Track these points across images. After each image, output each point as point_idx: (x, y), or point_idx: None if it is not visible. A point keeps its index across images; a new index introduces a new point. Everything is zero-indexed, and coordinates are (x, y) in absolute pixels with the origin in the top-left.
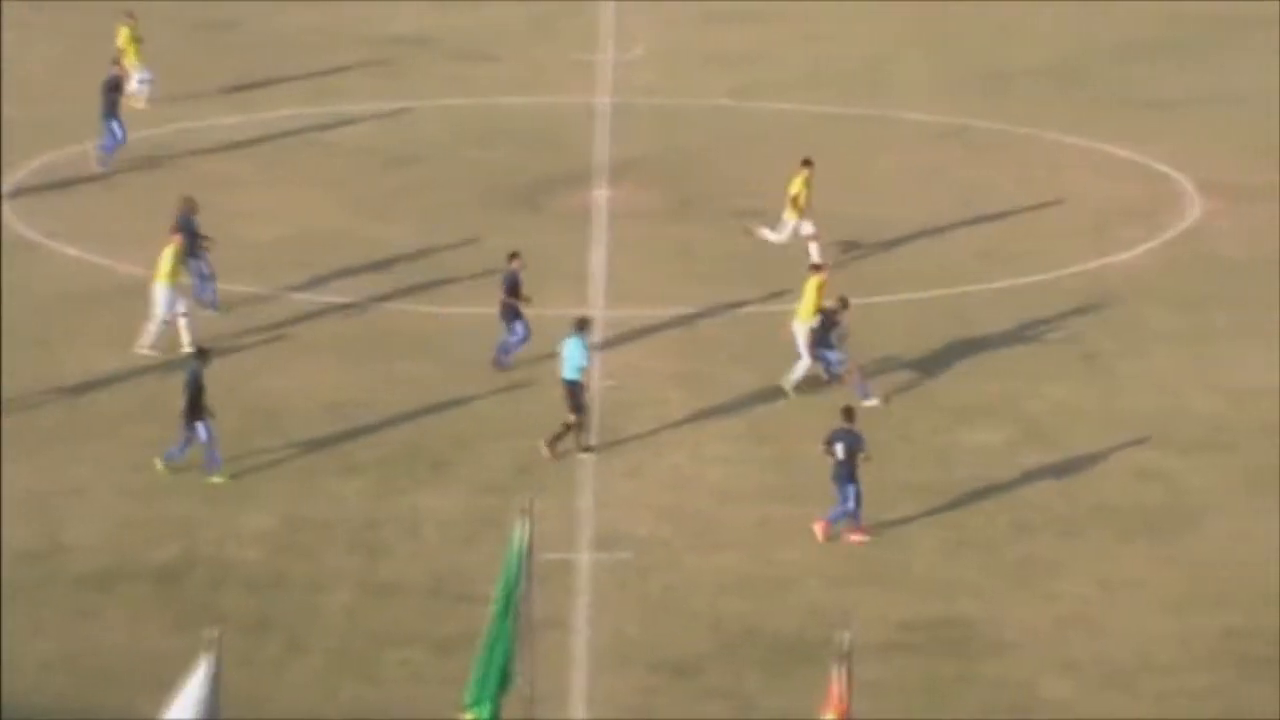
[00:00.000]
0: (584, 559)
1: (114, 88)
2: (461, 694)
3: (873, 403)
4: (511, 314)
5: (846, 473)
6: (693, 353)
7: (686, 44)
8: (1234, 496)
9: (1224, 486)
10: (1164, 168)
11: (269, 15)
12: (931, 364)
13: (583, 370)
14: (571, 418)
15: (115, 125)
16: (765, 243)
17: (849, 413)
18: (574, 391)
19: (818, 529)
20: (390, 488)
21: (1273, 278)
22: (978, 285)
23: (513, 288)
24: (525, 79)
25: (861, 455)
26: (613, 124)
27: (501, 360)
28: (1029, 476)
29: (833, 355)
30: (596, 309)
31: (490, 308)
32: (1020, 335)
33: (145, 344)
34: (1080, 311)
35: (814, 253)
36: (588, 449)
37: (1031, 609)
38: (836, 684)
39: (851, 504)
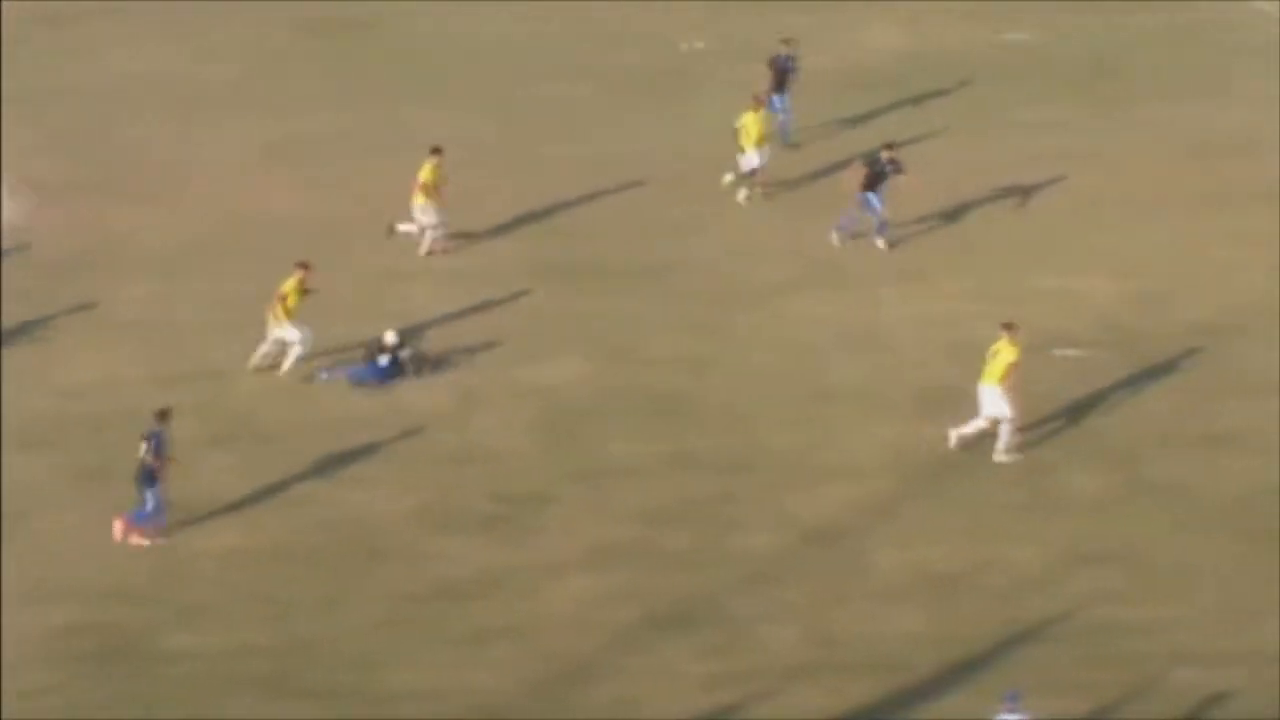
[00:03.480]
0: None
1: None
2: None
3: None
4: None
5: (148, 473)
6: None
7: None
8: (61, 492)
9: (52, 482)
10: None
11: None
12: None
13: None
14: None
15: None
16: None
17: (163, 414)
18: None
19: (116, 527)
20: None
21: (102, 275)
22: None
23: None
24: None
25: (166, 457)
26: None
27: None
28: None
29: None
30: None
31: None
32: None
33: None
34: None
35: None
36: None
37: None
38: None
39: (150, 506)
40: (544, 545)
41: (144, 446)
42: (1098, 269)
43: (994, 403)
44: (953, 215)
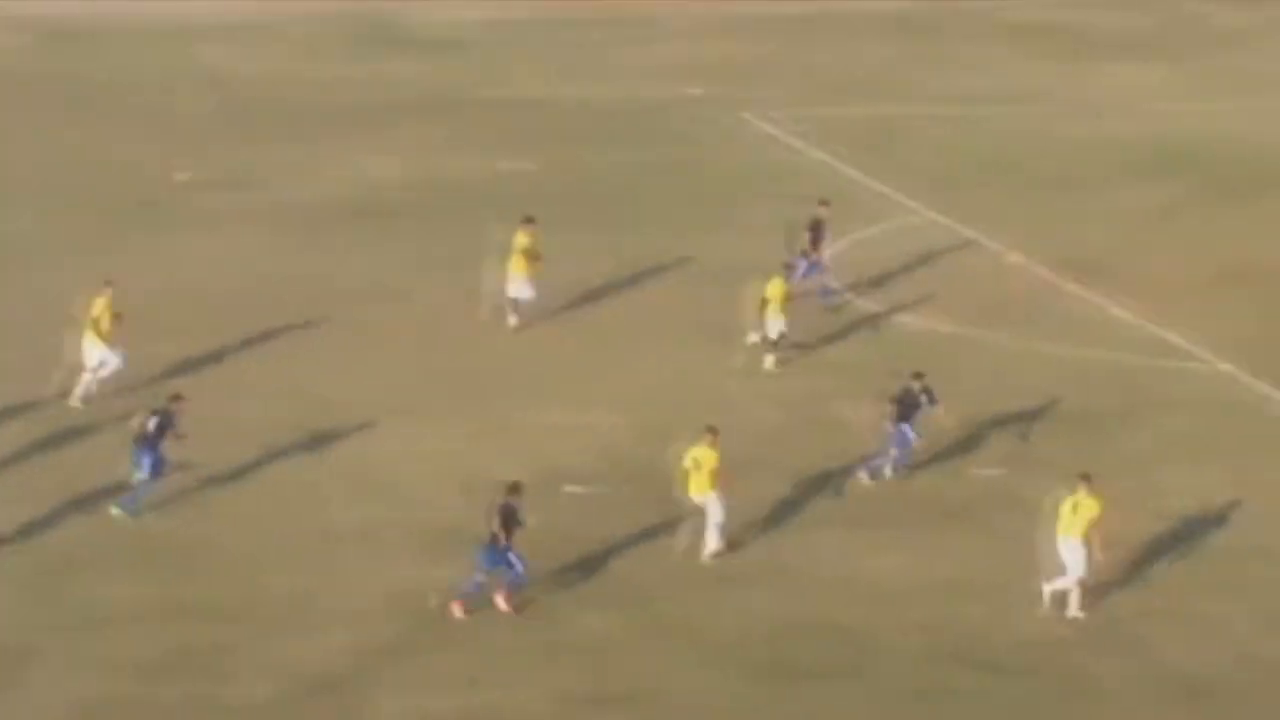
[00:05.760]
0: None
1: None
2: None
3: None
4: None
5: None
6: None
7: None
8: None
9: None
10: None
11: None
12: None
13: None
14: None
15: None
16: None
17: (515, 487)
18: None
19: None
20: None
21: None
22: None
23: None
24: None
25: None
26: None
27: None
28: None
29: None
30: None
31: None
32: None
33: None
34: None
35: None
36: None
37: None
38: None
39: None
40: (26, 702)
41: (495, 519)
42: (600, 402)
43: (1074, 557)
44: (450, 349)
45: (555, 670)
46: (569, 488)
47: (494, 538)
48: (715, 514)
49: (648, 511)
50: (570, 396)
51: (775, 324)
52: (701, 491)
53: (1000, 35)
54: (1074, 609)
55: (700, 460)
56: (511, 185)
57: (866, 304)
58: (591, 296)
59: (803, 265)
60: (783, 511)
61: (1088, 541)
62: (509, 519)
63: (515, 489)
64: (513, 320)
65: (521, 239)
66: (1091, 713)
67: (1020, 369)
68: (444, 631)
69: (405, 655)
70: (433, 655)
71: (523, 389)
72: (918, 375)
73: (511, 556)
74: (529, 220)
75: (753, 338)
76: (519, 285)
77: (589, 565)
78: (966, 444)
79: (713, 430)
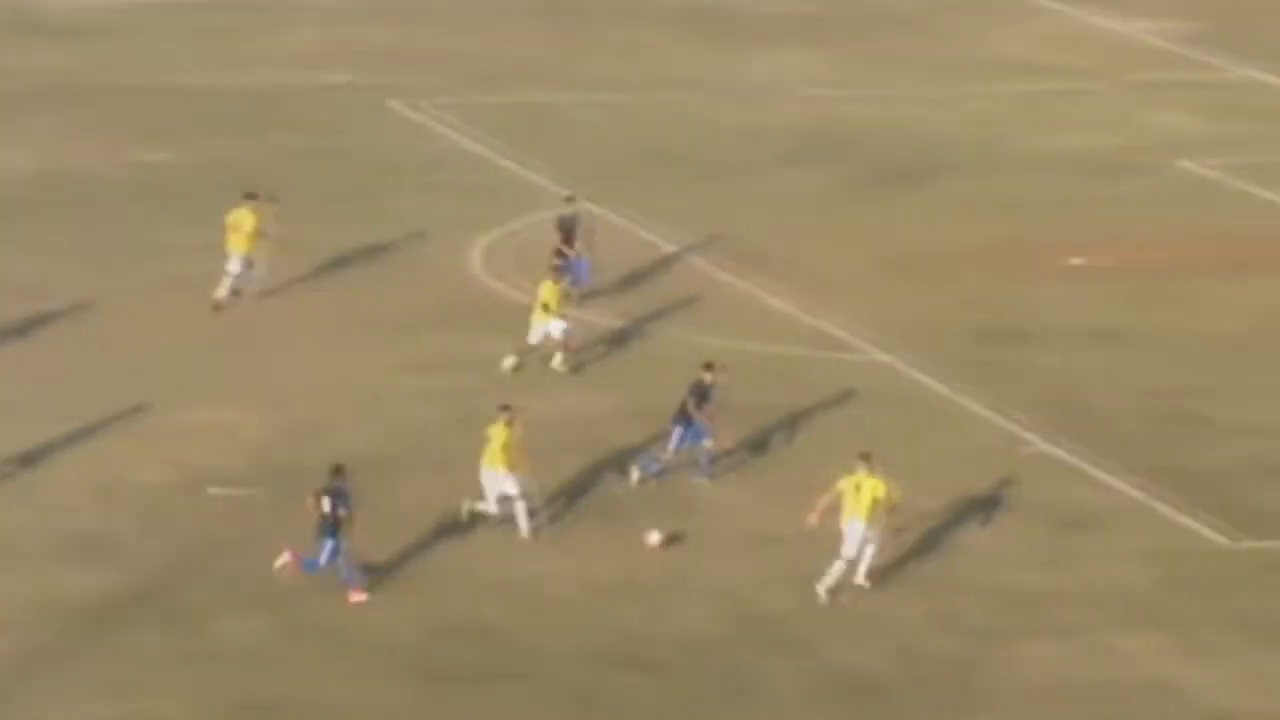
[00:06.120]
0: None
1: None
2: None
3: None
4: None
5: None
6: None
7: None
8: None
9: None
10: None
11: None
12: None
13: None
14: None
15: None
16: None
17: (339, 469)
18: None
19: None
20: None
21: None
22: None
23: None
24: None
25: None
26: None
27: None
28: None
29: None
30: None
31: None
32: None
33: None
34: None
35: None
36: None
37: None
38: None
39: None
40: None
41: (325, 501)
42: (248, 400)
43: (866, 541)
44: (92, 347)
45: (203, 677)
46: (214, 489)
47: (324, 519)
48: (520, 490)
49: (296, 512)
50: (217, 395)
51: (556, 325)
52: (506, 469)
53: (649, 19)
54: (860, 577)
55: (496, 437)
56: (151, 175)
57: (522, 296)
58: (240, 291)
59: (582, 265)
60: (436, 512)
61: (873, 522)
62: (339, 502)
63: (339, 471)
64: (242, 296)
65: (248, 217)
66: (754, 713)
67: (680, 362)
68: (88, 638)
69: (49, 663)
70: (77, 663)
71: (168, 387)
72: (708, 366)
73: (329, 543)
74: (250, 196)
75: (531, 341)
76: (237, 263)
77: (236, 569)
78: (633, 443)
79: (508, 409)
